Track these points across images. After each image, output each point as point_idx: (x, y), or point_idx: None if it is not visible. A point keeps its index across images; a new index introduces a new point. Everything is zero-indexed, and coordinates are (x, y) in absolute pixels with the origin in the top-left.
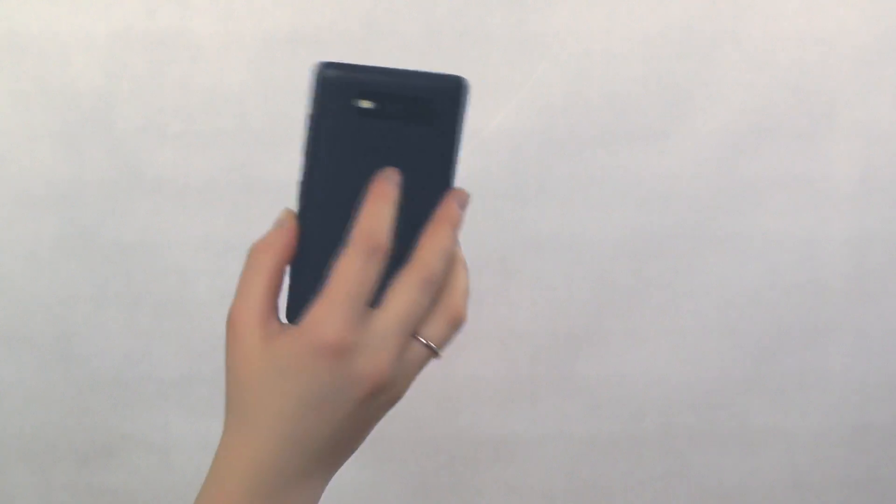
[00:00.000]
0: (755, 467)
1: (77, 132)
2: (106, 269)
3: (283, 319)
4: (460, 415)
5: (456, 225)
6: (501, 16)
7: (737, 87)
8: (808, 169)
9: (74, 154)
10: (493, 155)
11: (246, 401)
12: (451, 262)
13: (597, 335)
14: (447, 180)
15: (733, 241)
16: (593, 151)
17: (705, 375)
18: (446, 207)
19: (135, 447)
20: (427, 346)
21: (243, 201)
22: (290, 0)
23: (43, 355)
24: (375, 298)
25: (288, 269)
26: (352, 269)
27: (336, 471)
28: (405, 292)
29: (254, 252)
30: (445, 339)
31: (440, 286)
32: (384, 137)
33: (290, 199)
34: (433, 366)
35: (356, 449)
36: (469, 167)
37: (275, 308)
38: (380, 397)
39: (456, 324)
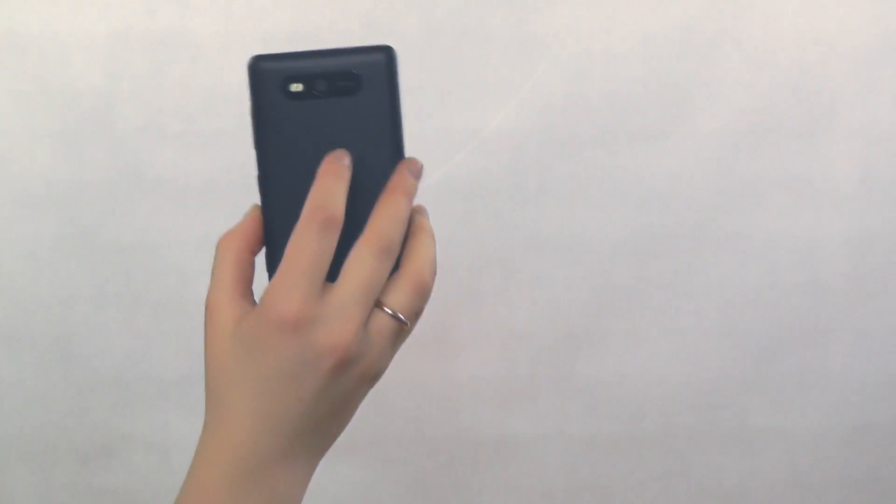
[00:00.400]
0: (755, 467)
1: (77, 132)
2: (106, 269)
3: None
4: (460, 415)
5: (409, 193)
6: (501, 16)
7: (737, 87)
8: (808, 169)
9: (74, 154)
10: (493, 155)
11: (219, 384)
12: (413, 228)
13: (597, 335)
14: (397, 151)
15: (733, 241)
16: (593, 151)
17: (705, 375)
18: (398, 176)
19: (135, 447)
20: (392, 315)
21: (243, 201)
22: (290, 0)
23: (43, 355)
24: (334, 273)
25: (264, 260)
26: (305, 242)
27: (321, 455)
28: (360, 261)
29: (220, 242)
30: (411, 308)
31: (397, 253)
32: (322, 117)
33: None
34: (433, 366)
35: (339, 430)
36: (469, 167)
37: (245, 293)
38: (348, 371)
39: (421, 292)
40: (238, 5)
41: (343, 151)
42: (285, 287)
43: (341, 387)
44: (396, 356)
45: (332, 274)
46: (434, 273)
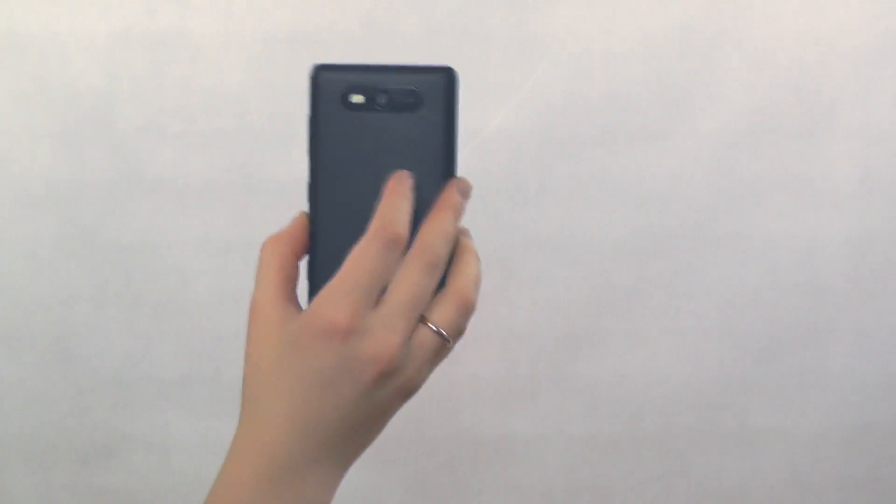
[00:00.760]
0: (755, 467)
1: (77, 132)
2: (106, 269)
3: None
4: (460, 415)
5: (457, 211)
6: (501, 16)
7: (737, 87)
8: (808, 169)
9: (74, 154)
10: (493, 155)
11: (258, 384)
12: (458, 248)
13: (597, 335)
14: (448, 169)
15: (733, 241)
16: (593, 151)
17: (705, 375)
18: (447, 194)
19: (135, 447)
20: (436, 331)
21: (243, 201)
22: (289, 0)
23: (43, 355)
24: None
25: (306, 266)
26: (367, 256)
27: (350, 463)
28: (407, 276)
29: (265, 245)
30: (454, 325)
31: (444, 270)
32: (379, 131)
33: (290, 198)
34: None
35: (370, 441)
36: (469, 167)
37: (290, 295)
38: (388, 383)
39: (465, 309)
40: (238, 5)
41: (407, 173)
42: (339, 295)
43: (378, 398)
44: None
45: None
46: (478, 292)
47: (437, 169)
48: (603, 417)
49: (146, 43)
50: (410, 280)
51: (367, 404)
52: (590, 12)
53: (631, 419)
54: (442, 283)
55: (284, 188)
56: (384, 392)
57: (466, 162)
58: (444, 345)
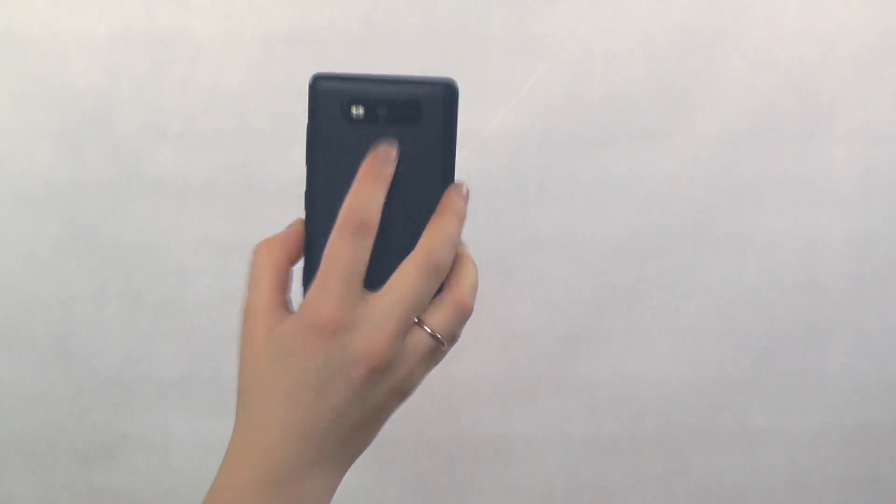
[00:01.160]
0: (755, 467)
1: (77, 132)
2: (106, 269)
3: None
4: (460, 415)
5: (460, 216)
6: (501, 16)
7: (737, 87)
8: (808, 169)
9: (74, 154)
10: (493, 155)
11: (252, 388)
12: (458, 255)
13: (597, 335)
14: (449, 177)
15: (733, 241)
16: (593, 151)
17: (705, 375)
18: (449, 199)
19: (135, 447)
20: (430, 334)
21: (243, 201)
22: (289, 0)
23: (43, 355)
24: (378, 284)
25: (302, 273)
26: (340, 248)
27: (348, 465)
28: (406, 274)
29: (258, 249)
30: (450, 330)
31: (445, 273)
32: (378, 142)
33: (289, 198)
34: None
35: (367, 443)
36: (469, 167)
37: (283, 300)
38: (380, 381)
39: (461, 315)
40: (238, 5)
41: (389, 147)
42: (322, 292)
43: (372, 397)
44: None
45: (378, 285)
46: (475, 299)
47: (436, 181)
48: (603, 417)
49: (146, 43)
50: (408, 279)
51: (361, 404)
52: (590, 12)
53: (631, 419)
54: (440, 287)
55: (284, 188)
56: (377, 391)
57: (466, 162)
58: (438, 348)
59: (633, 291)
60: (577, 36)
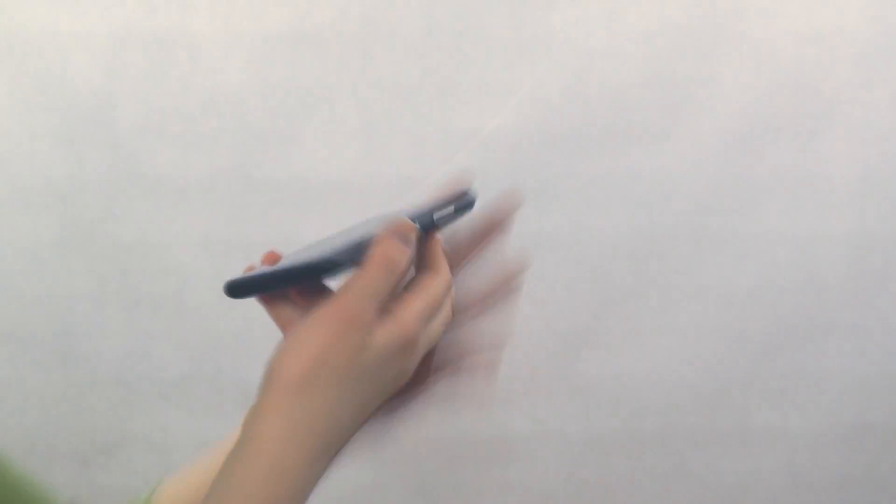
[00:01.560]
0: (755, 467)
1: (77, 132)
2: (105, 268)
3: None
4: (460, 415)
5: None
6: (501, 16)
7: (737, 87)
8: (808, 169)
9: (74, 154)
10: (493, 155)
11: (332, 376)
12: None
13: (597, 335)
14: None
15: (733, 241)
16: (593, 151)
17: (705, 375)
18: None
19: (135, 447)
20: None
21: (243, 201)
22: (289, 0)
23: (43, 354)
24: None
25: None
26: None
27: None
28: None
29: (390, 254)
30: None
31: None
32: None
33: (289, 198)
34: None
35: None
36: (469, 167)
37: (383, 307)
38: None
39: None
40: (238, 5)
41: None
42: (417, 313)
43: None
44: None
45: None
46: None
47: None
48: (603, 417)
49: (146, 43)
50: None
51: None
52: (590, 12)
53: (630, 419)
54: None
55: (284, 188)
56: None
57: (466, 162)
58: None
59: (633, 291)
60: (577, 36)
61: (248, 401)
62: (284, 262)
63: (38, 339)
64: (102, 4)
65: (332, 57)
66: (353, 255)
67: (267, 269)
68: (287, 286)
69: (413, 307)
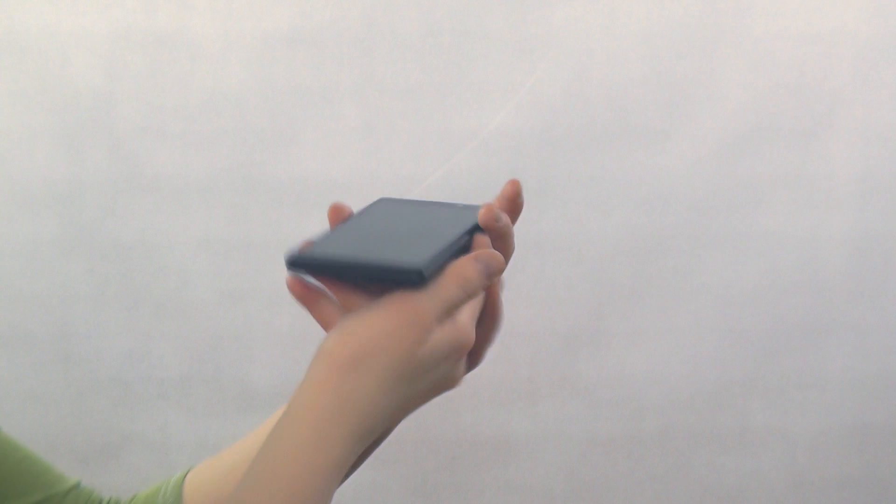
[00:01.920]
0: (755, 467)
1: (77, 132)
2: (106, 269)
3: None
4: (460, 415)
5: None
6: (501, 16)
7: (737, 87)
8: (808, 169)
9: (74, 154)
10: (493, 155)
11: (390, 371)
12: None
13: (597, 335)
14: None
15: (733, 241)
16: (593, 151)
17: (705, 375)
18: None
19: (135, 447)
20: None
21: (243, 201)
22: (289, 0)
23: (43, 355)
24: None
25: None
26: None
27: None
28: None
29: (469, 275)
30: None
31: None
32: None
33: (289, 198)
34: None
35: None
36: (469, 167)
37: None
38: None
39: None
40: (238, 5)
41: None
42: (470, 327)
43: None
44: None
45: None
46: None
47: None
48: (603, 417)
49: (146, 43)
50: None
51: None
52: (590, 12)
53: (631, 419)
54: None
55: (284, 188)
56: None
57: (467, 162)
58: None
59: (633, 291)
60: (577, 35)
61: (249, 401)
62: (359, 255)
63: (38, 338)
64: (102, 4)
65: (332, 57)
66: (437, 270)
67: (342, 254)
68: (351, 279)
69: (472, 315)
